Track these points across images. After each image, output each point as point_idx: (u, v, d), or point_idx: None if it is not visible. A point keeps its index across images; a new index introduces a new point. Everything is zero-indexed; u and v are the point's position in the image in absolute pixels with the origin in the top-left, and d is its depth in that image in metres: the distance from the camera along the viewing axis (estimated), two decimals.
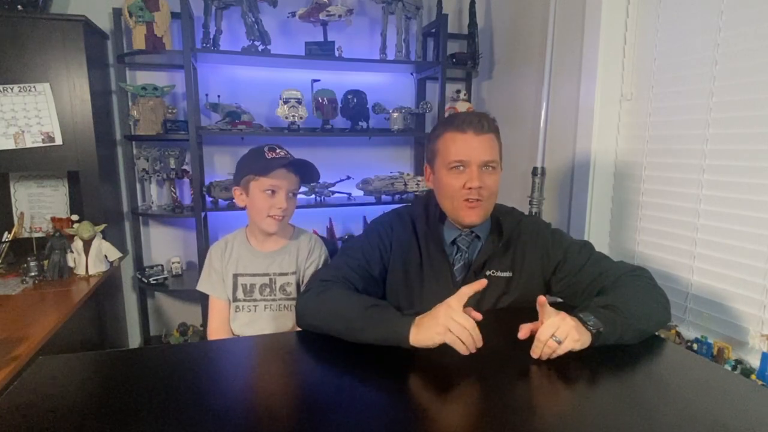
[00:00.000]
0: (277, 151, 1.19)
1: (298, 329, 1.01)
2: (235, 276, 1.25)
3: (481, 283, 0.85)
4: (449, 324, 0.80)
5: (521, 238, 1.13)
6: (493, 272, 1.09)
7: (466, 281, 1.08)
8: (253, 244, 1.27)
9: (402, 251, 1.13)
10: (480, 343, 0.81)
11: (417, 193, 2.34)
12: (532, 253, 1.11)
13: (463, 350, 0.80)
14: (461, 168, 1.04)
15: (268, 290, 1.25)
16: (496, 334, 0.93)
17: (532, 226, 1.16)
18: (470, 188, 1.03)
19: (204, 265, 1.30)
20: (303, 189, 2.27)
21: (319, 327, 0.95)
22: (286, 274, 1.25)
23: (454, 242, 1.12)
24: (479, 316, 0.83)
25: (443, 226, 1.13)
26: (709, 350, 1.28)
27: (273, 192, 1.17)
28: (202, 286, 1.28)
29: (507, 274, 1.10)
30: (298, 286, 1.26)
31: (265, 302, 1.25)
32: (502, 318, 1.06)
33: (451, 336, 0.80)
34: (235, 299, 1.25)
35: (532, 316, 0.87)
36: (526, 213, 1.93)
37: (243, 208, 1.25)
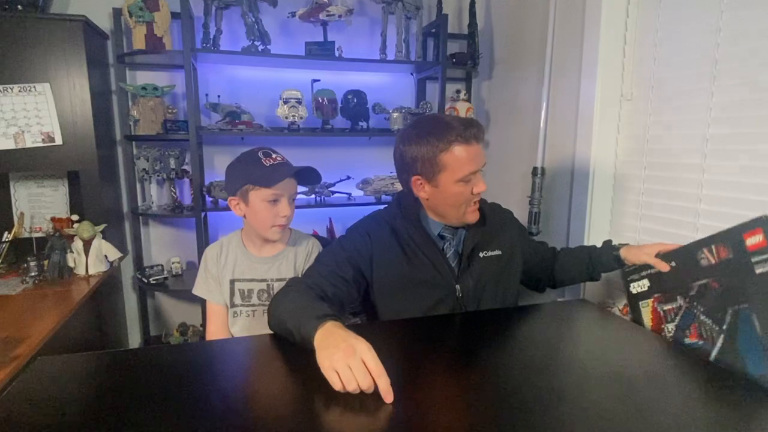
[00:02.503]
0: (273, 156, 1.15)
1: None
2: (232, 282, 1.23)
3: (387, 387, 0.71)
4: (340, 367, 0.70)
5: (496, 219, 1.26)
6: (485, 253, 1.19)
7: (461, 267, 1.16)
8: (250, 249, 1.25)
9: (385, 254, 1.16)
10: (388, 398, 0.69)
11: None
12: (509, 230, 1.27)
13: (337, 387, 0.71)
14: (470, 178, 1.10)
15: (266, 296, 1.23)
16: (496, 335, 0.94)
17: (496, 207, 1.33)
18: (478, 193, 1.11)
19: (199, 268, 1.28)
20: (303, 189, 2.27)
21: (277, 324, 0.96)
22: (284, 280, 1.22)
23: (438, 235, 1.19)
24: (388, 397, 0.69)
25: (424, 223, 1.19)
26: None
27: (275, 200, 1.14)
28: (198, 291, 1.26)
29: (497, 252, 1.21)
30: None
31: (264, 307, 1.23)
32: (503, 318, 1.06)
33: (334, 377, 0.71)
34: (233, 305, 1.23)
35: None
36: (526, 213, 1.95)
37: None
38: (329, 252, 1.18)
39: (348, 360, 0.71)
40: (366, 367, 0.70)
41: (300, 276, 1.21)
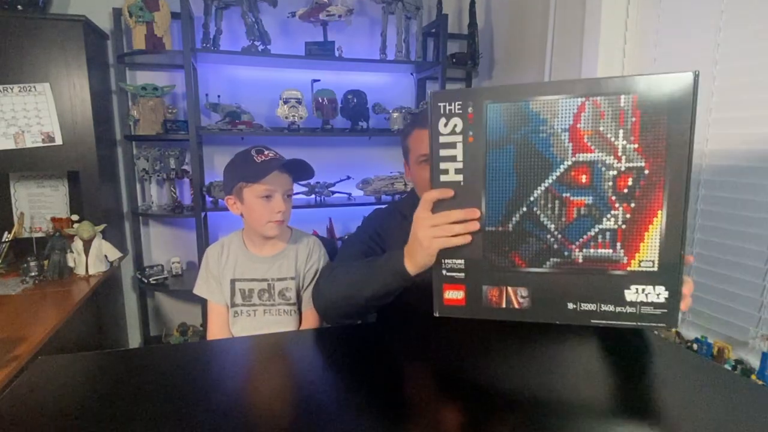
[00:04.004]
0: (266, 152, 1.15)
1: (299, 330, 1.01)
2: (233, 281, 1.23)
3: (444, 192, 0.74)
4: (429, 232, 0.75)
5: None
6: None
7: None
8: (251, 249, 1.25)
9: (395, 239, 1.15)
10: (474, 214, 0.72)
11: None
12: None
13: (462, 241, 0.73)
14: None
15: (267, 295, 1.23)
16: (496, 333, 0.93)
17: None
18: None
19: (200, 268, 1.28)
20: (303, 189, 2.27)
21: (336, 301, 0.98)
22: (284, 279, 1.23)
23: None
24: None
25: None
26: (709, 350, 1.28)
27: (268, 196, 1.14)
28: (199, 291, 1.26)
29: None
30: (297, 290, 1.25)
31: (264, 307, 1.23)
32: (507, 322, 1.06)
33: (441, 240, 0.74)
34: (233, 304, 1.23)
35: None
36: None
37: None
38: (354, 238, 1.21)
39: (427, 232, 0.76)
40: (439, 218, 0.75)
41: (303, 271, 1.25)
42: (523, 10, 2.12)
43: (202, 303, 1.30)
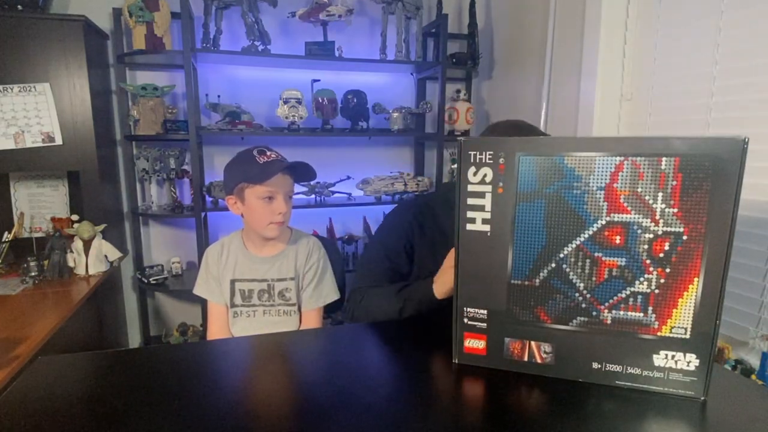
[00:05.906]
0: (268, 153, 1.15)
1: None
2: (233, 282, 1.23)
3: None
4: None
5: None
6: None
7: None
8: (251, 249, 1.25)
9: (425, 237, 1.11)
10: None
11: (417, 193, 2.34)
12: None
13: None
14: None
15: (267, 296, 1.23)
16: None
17: None
18: None
19: (200, 268, 1.28)
20: (303, 189, 2.27)
21: (368, 318, 1.05)
22: (284, 280, 1.23)
23: None
24: None
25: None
26: None
27: (270, 198, 1.14)
28: (199, 290, 1.26)
29: None
30: (297, 291, 1.24)
31: (264, 308, 1.23)
32: None
33: None
34: (233, 305, 1.23)
35: None
36: None
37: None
38: (378, 252, 1.11)
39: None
40: None
41: (303, 272, 1.25)
42: (523, 10, 2.12)
43: (202, 303, 1.30)
